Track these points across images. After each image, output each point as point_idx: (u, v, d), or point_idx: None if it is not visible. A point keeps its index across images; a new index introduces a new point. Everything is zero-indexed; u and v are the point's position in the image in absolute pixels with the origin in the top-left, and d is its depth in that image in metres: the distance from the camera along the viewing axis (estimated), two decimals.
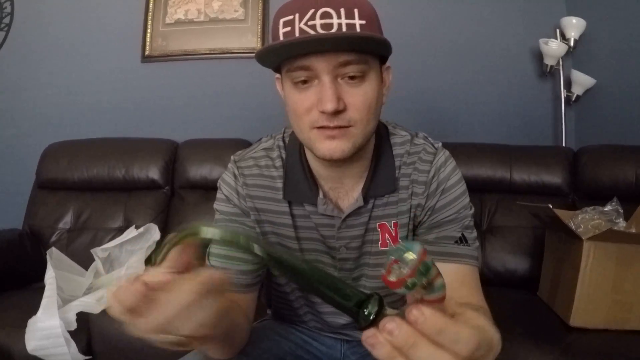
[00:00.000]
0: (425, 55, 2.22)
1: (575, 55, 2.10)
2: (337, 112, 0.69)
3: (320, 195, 0.81)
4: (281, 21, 0.69)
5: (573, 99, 2.04)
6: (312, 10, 0.66)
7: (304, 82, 0.70)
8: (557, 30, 2.05)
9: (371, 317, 0.39)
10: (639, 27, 1.83)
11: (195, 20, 2.28)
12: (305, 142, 0.76)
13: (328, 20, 0.66)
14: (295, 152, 0.84)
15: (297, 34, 0.67)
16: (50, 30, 2.32)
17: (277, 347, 0.85)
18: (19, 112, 2.33)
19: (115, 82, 2.30)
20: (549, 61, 2.03)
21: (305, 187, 0.82)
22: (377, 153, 0.82)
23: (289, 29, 0.68)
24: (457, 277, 0.78)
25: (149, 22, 2.28)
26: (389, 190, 0.81)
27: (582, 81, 2.00)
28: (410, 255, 0.36)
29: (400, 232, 0.83)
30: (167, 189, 2.03)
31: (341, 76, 0.69)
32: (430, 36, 2.23)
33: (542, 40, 2.01)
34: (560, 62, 2.04)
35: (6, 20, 2.32)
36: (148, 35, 2.28)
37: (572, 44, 2.01)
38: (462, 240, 0.81)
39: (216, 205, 0.87)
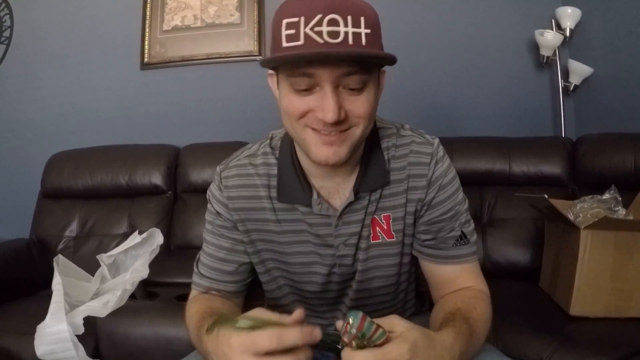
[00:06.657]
0: (421, 50, 2.22)
1: (571, 45, 2.09)
2: (336, 123, 0.68)
3: (315, 195, 0.81)
4: (284, 22, 0.66)
5: (571, 88, 2.03)
6: (319, 16, 0.64)
7: (305, 89, 0.68)
8: (553, 21, 2.04)
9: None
10: (634, 14, 1.82)
11: (192, 26, 2.30)
12: (299, 142, 0.75)
13: (335, 28, 0.63)
14: (287, 154, 0.83)
15: (301, 39, 0.64)
16: (50, 41, 2.35)
17: None
18: (23, 123, 2.37)
19: (116, 90, 2.33)
20: (546, 52, 2.03)
21: (298, 188, 0.81)
22: (367, 148, 0.82)
23: (292, 31, 0.65)
24: (457, 273, 0.83)
25: (147, 30, 2.30)
26: (380, 184, 0.81)
27: (579, 70, 1.99)
28: (354, 328, 0.55)
29: (394, 226, 0.83)
30: (170, 193, 2.06)
31: (343, 85, 0.68)
32: (426, 31, 2.23)
33: (537, 32, 2.01)
34: (557, 53, 2.04)
35: (6, 33, 2.36)
36: (146, 42, 2.30)
37: (568, 33, 2.00)
38: (462, 237, 0.83)
39: (207, 217, 0.90)
